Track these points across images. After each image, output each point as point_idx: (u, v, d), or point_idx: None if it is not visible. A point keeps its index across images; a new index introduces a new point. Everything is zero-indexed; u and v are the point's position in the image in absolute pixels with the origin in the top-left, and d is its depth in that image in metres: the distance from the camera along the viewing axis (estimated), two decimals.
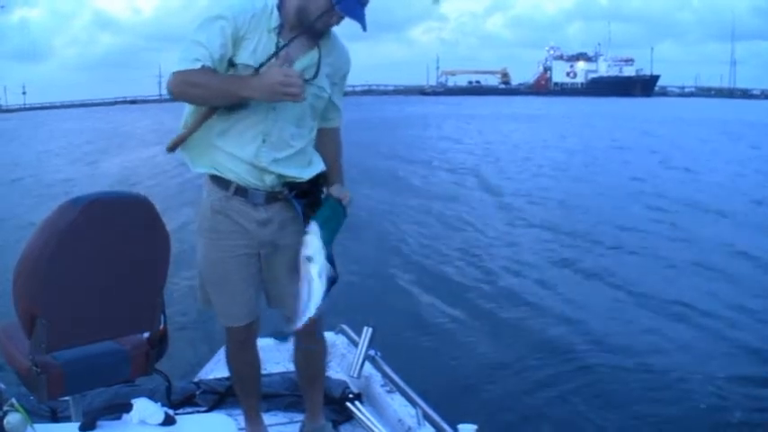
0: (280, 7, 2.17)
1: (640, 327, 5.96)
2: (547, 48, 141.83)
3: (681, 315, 6.18)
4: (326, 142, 2.42)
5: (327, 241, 2.19)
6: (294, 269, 2.31)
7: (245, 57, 2.12)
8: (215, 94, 2.11)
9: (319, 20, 2.11)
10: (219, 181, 2.26)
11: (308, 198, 2.32)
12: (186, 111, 2.26)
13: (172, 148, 2.24)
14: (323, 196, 2.33)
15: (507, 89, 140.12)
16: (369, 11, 2.15)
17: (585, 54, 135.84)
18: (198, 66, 2.06)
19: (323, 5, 2.10)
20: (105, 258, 2.15)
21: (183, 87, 2.09)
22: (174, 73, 2.10)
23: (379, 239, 9.36)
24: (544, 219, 11.00)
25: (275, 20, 2.15)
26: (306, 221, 2.24)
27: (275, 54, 2.10)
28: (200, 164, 2.28)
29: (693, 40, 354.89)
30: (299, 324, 2.11)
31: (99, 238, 2.12)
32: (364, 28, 2.12)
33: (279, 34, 2.14)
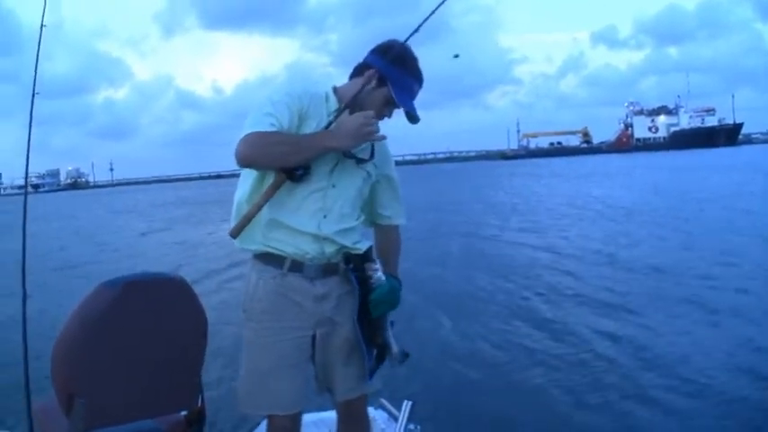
0: (335, 91, 2.28)
1: None
2: (626, 104, 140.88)
3: None
4: (389, 241, 2.51)
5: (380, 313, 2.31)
6: (349, 349, 2.34)
7: None
8: (297, 149, 2.08)
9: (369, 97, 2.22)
10: (271, 258, 2.24)
11: (360, 272, 2.32)
12: (244, 191, 2.24)
13: (237, 233, 2.18)
14: (384, 277, 2.31)
15: (589, 148, 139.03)
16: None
17: (666, 107, 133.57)
18: (274, 129, 2.07)
19: (379, 101, 2.23)
20: (142, 339, 2.20)
21: (261, 148, 2.05)
22: (248, 134, 2.04)
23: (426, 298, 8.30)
24: None
25: (333, 104, 2.24)
26: (362, 294, 2.28)
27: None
28: (249, 241, 2.25)
29: None
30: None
31: (136, 319, 2.17)
32: (411, 121, 2.26)
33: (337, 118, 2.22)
